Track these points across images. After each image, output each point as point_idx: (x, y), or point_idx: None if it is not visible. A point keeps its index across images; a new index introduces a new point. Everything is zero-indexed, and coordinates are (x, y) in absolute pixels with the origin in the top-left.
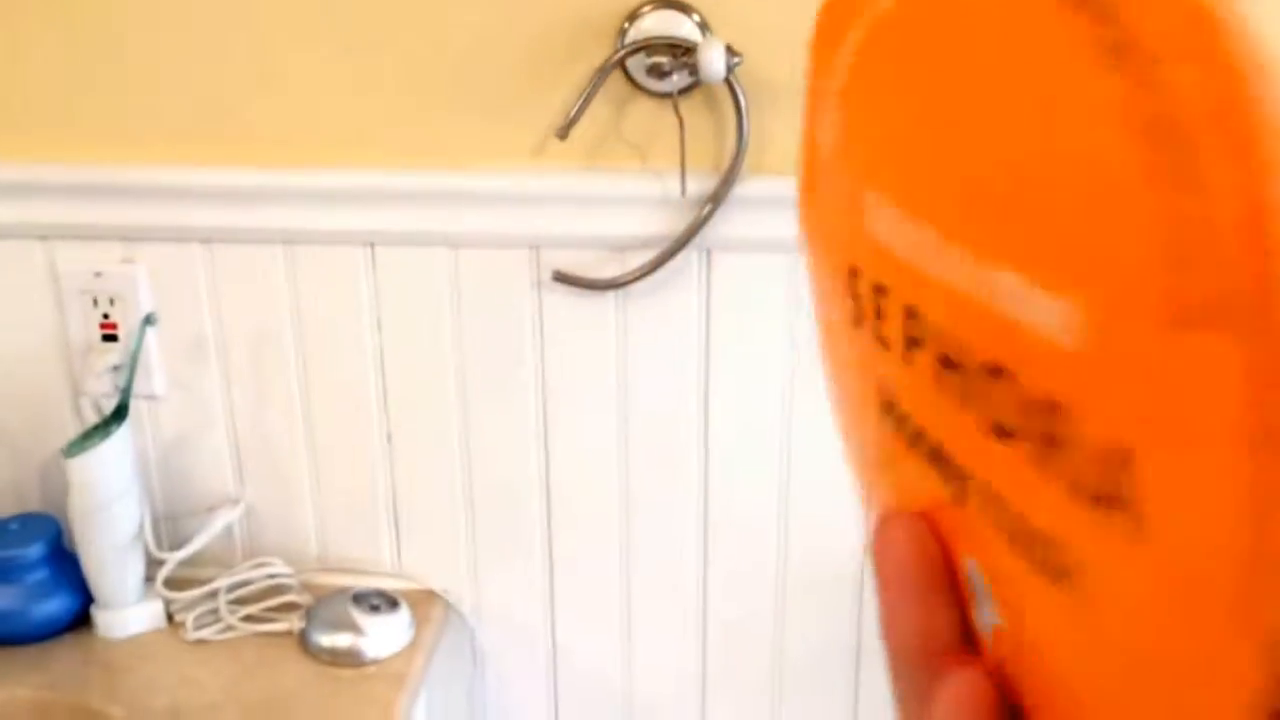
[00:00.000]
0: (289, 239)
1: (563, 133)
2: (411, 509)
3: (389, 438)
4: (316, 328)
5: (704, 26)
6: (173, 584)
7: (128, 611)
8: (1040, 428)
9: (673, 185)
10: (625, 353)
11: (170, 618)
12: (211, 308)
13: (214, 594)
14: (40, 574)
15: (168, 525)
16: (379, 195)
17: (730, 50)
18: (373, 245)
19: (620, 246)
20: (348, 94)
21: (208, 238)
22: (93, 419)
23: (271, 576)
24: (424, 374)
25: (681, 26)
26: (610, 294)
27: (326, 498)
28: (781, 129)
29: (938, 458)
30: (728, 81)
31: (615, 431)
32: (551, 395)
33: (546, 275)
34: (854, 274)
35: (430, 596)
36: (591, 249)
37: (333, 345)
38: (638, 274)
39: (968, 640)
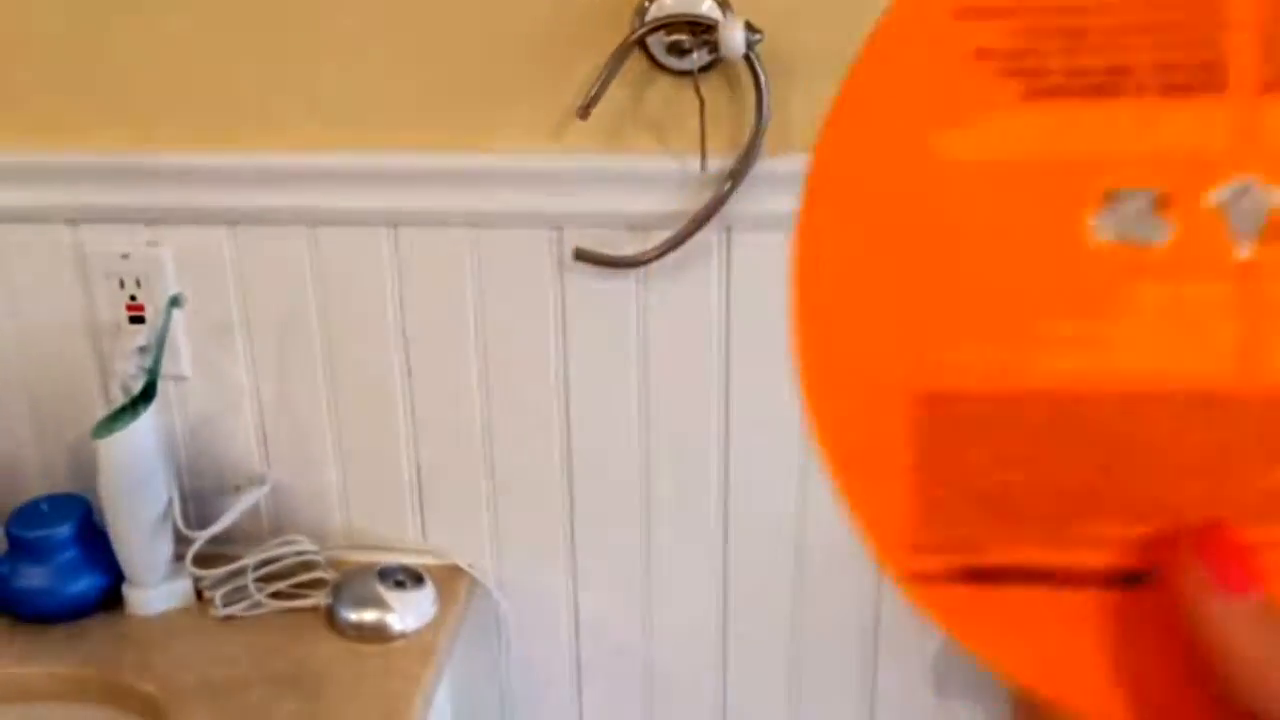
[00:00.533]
0: (312, 220)
1: (583, 112)
2: (435, 486)
3: (413, 416)
4: (340, 308)
5: (723, 4)
6: (201, 562)
7: (157, 589)
8: None
9: (693, 163)
10: (646, 330)
11: (199, 595)
12: (236, 289)
13: (242, 571)
14: (71, 553)
15: (195, 504)
16: (401, 176)
17: (750, 27)
18: (396, 226)
19: (641, 225)
20: (368, 76)
21: (233, 220)
22: (121, 400)
23: (298, 554)
24: (447, 353)
25: (701, 4)
26: (631, 272)
27: (351, 476)
28: (802, 106)
29: None
30: (747, 59)
31: (636, 408)
32: (573, 372)
33: (568, 254)
34: None
35: (455, 571)
36: (612, 228)
37: (357, 326)
38: (658, 252)
39: None
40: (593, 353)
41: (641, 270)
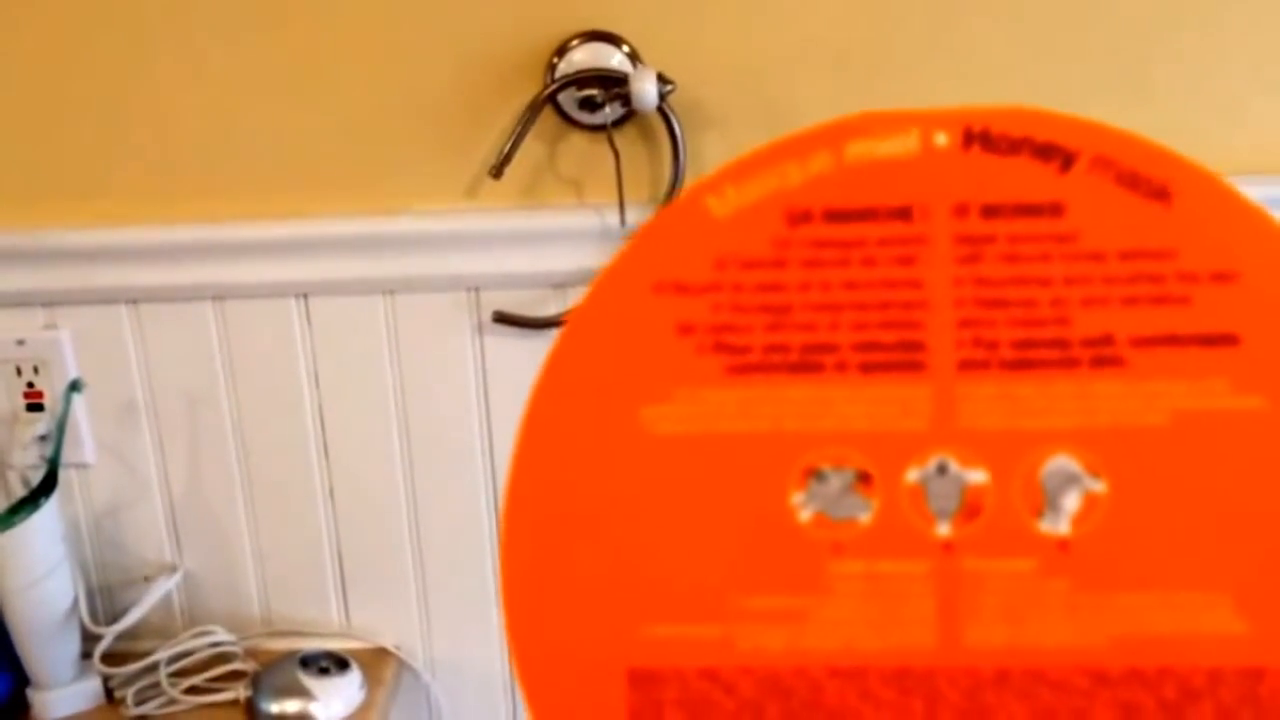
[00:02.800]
0: (217, 294)
1: (496, 171)
2: (359, 565)
3: (331, 493)
4: (251, 385)
5: (634, 57)
6: (111, 659)
7: (64, 690)
8: None
9: (611, 218)
10: None
11: (110, 695)
12: (140, 370)
13: (154, 667)
14: None
15: (103, 598)
16: (310, 244)
17: (662, 79)
18: (306, 296)
19: (561, 283)
20: (272, 142)
21: (133, 298)
22: (20, 492)
23: (214, 645)
24: (365, 426)
25: (611, 58)
26: (553, 332)
27: (269, 560)
28: (718, 155)
29: None
30: (661, 111)
31: None
32: (499, 438)
33: (487, 317)
34: None
35: (382, 654)
36: (532, 287)
37: (269, 402)
38: None
39: None
40: (517, 416)
41: None
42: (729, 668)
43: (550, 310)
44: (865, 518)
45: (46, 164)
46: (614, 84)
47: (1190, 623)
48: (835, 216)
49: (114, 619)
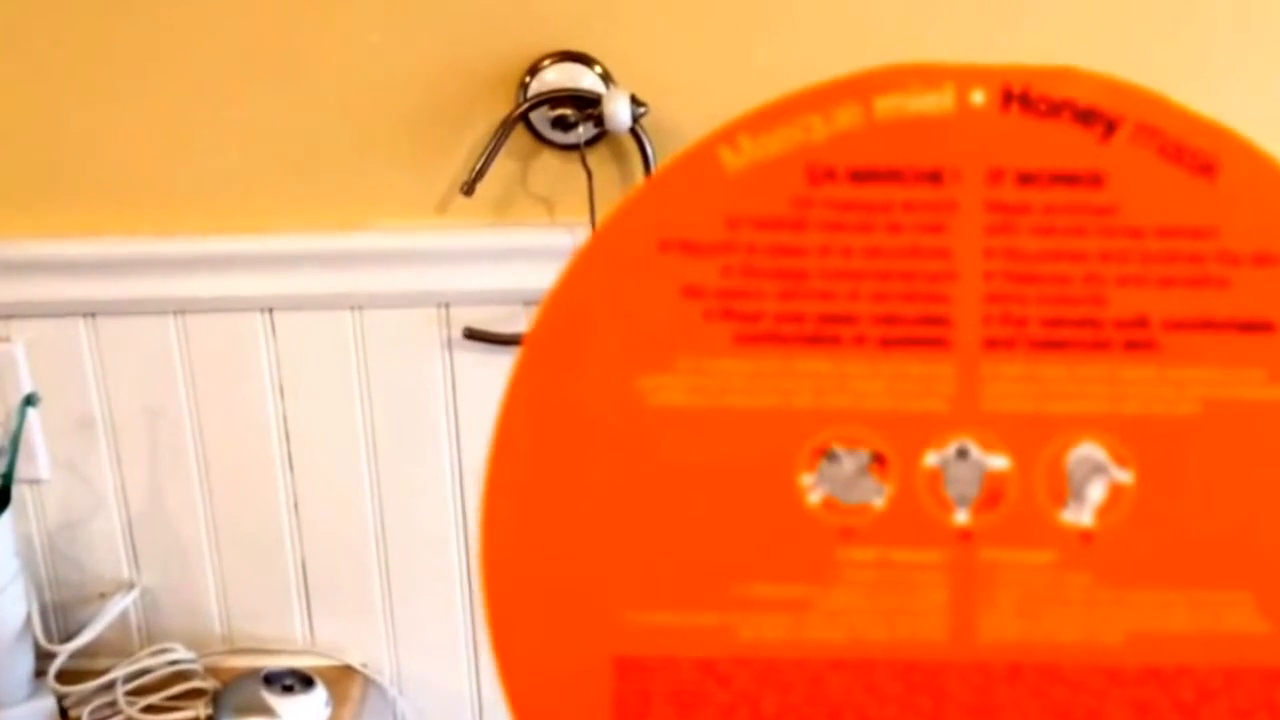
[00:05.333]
0: (180, 308)
1: (467, 188)
2: (323, 581)
3: (296, 508)
4: (214, 399)
5: (606, 78)
6: (66, 677)
7: (17, 710)
8: None
9: (582, 237)
10: None
11: (65, 714)
12: (98, 384)
13: (111, 686)
14: None
15: (58, 615)
16: (276, 258)
17: (635, 100)
18: (271, 311)
19: (532, 300)
20: (240, 154)
21: (90, 311)
22: None
23: (173, 663)
24: (331, 441)
25: (584, 78)
26: None
27: (231, 575)
28: None
29: None
30: (634, 131)
31: None
32: (467, 455)
33: (457, 333)
34: None
35: (347, 672)
36: (502, 304)
37: (232, 417)
38: None
39: None
40: (488, 433)
41: None
42: (725, 658)
43: (521, 327)
44: (878, 502)
45: (0, 172)
46: (587, 104)
47: (1211, 621)
48: (860, 176)
49: (69, 637)
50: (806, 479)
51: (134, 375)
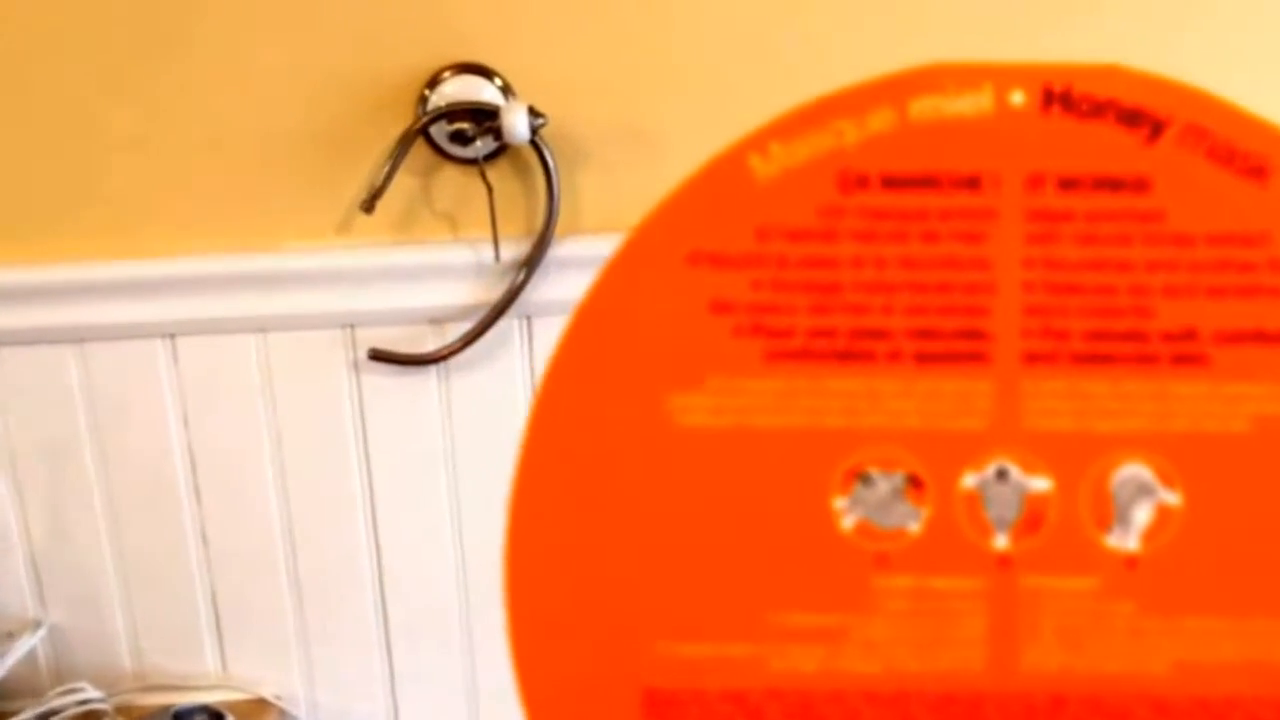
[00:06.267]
0: (78, 336)
1: (367, 205)
2: (235, 613)
3: (204, 538)
4: (117, 429)
5: (507, 90)
6: None
7: None
8: None
9: (486, 253)
10: (452, 428)
11: None
12: None
13: None
14: None
15: None
16: (176, 283)
17: (534, 112)
18: (173, 336)
19: (437, 319)
20: (135, 176)
21: None
22: None
23: (82, 703)
24: (239, 468)
25: (484, 91)
26: (432, 369)
27: (140, 610)
28: (592, 188)
29: None
30: (534, 144)
31: (448, 511)
32: (378, 478)
33: (363, 354)
34: None
35: (262, 705)
36: (408, 324)
37: (136, 447)
38: (457, 346)
39: None
40: (398, 455)
41: (442, 366)
42: (757, 690)
43: (428, 346)
44: (915, 527)
45: None
46: (485, 117)
47: (1261, 650)
48: (894, 183)
49: None
50: (840, 502)
51: (33, 406)
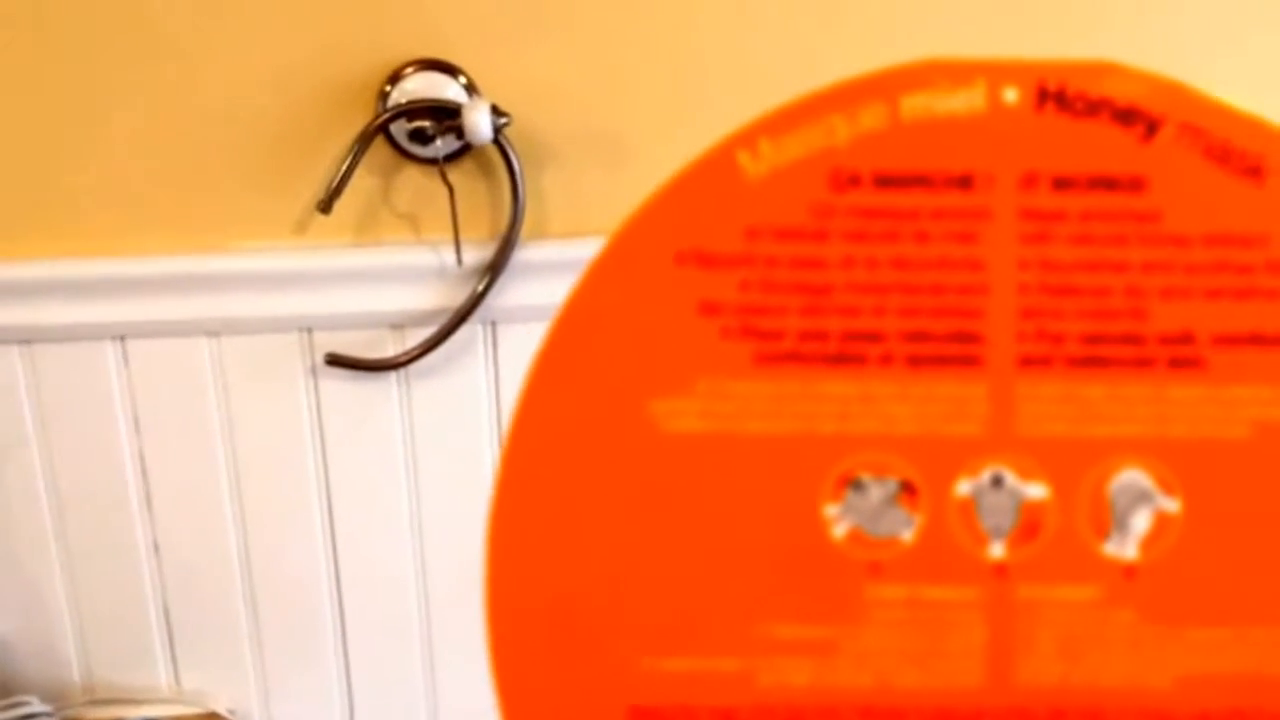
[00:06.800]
0: (26, 338)
1: (325, 205)
2: (187, 624)
3: (156, 548)
4: (64, 434)
5: (471, 88)
6: None
7: None
8: None
9: (448, 255)
10: (413, 436)
11: None
12: None
13: None
14: None
15: None
16: (127, 283)
17: (497, 110)
18: (123, 339)
19: (398, 324)
20: (85, 174)
21: None
22: None
23: (29, 717)
24: (191, 475)
25: (447, 88)
26: (391, 375)
27: (89, 621)
28: (558, 188)
29: None
30: (498, 144)
31: (409, 519)
32: (336, 487)
33: (320, 359)
34: None
35: None
36: (367, 328)
37: (85, 453)
38: (418, 352)
39: None
40: (356, 463)
41: (403, 372)
42: (746, 706)
43: (387, 351)
44: (908, 535)
45: None
46: (447, 115)
47: (1266, 662)
48: (886, 182)
49: None
50: (831, 510)
51: None
